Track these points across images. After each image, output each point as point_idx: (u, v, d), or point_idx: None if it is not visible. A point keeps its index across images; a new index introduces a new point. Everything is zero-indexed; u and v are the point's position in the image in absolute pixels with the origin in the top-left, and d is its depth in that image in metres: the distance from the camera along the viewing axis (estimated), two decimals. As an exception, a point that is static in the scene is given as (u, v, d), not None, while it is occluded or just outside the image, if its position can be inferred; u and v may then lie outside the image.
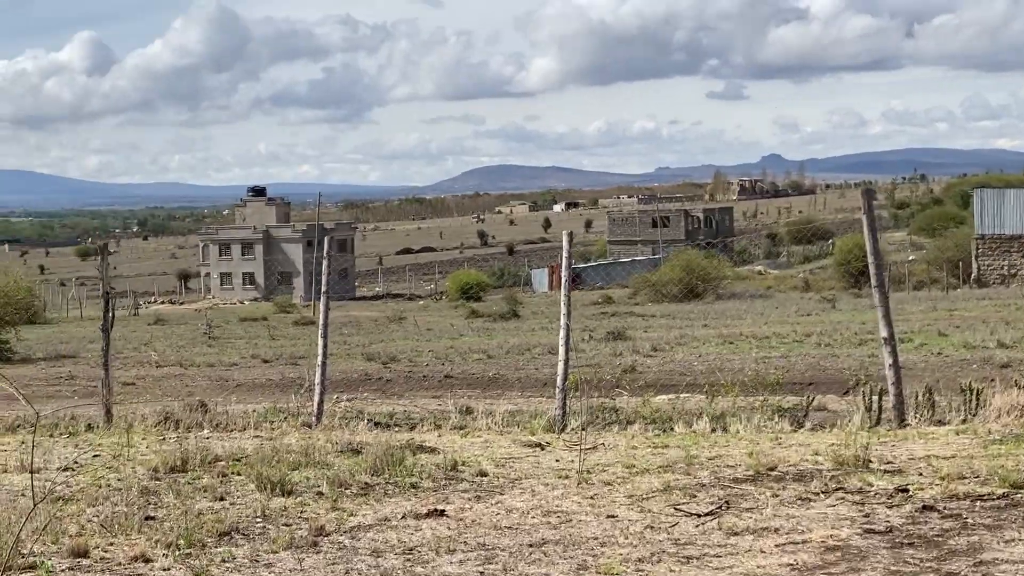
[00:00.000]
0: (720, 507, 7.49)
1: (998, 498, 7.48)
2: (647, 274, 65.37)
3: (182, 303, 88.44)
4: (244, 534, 7.10)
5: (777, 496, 7.78)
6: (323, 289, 13.51)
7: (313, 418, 12.60)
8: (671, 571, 6.16)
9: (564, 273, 12.19)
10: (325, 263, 13.49)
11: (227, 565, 6.45)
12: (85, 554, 6.58)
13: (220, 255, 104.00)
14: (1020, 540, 6.51)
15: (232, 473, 8.97)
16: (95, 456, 10.18)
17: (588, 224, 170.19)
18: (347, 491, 8.26)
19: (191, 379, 23.67)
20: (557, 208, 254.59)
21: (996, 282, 58.09)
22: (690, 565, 6.26)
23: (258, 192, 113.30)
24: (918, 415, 10.85)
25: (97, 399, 13.83)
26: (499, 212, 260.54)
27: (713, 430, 10.92)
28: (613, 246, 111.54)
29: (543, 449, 10.07)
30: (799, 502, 7.61)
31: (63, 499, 8.00)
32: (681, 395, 15.23)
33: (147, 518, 7.43)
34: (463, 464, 9.17)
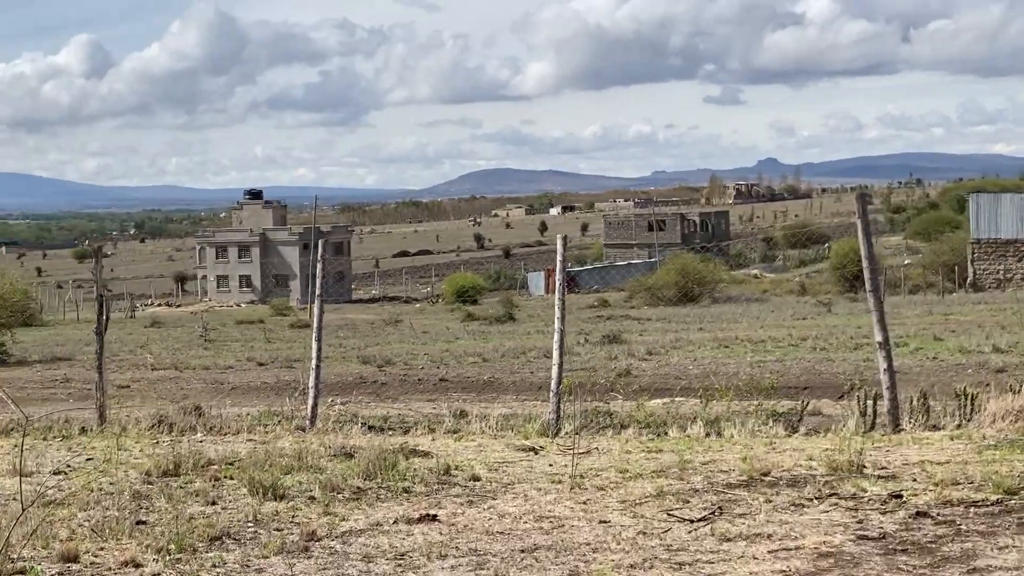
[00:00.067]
0: (713, 513, 7.47)
1: (992, 504, 7.47)
2: (643, 278, 65.41)
3: (179, 305, 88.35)
4: (235, 539, 7.07)
5: (770, 502, 7.76)
6: (317, 292, 13.49)
7: (307, 421, 12.57)
8: (663, 577, 6.14)
9: (558, 277, 12.18)
10: (319, 266, 13.47)
11: (217, 570, 6.42)
12: (75, 559, 6.55)
13: (217, 258, 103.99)
14: (1014, 547, 6.49)
15: (225, 477, 8.94)
16: (88, 460, 10.15)
17: (584, 227, 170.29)
18: (339, 496, 8.23)
19: (186, 382, 23.63)
20: (553, 211, 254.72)
21: (992, 286, 58.14)
22: (682, 571, 6.24)
23: (255, 195, 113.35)
24: (913, 420, 10.83)
25: (92, 402, 13.80)
26: (496, 215, 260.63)
27: (707, 434, 10.90)
28: (609, 249, 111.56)
29: (537, 453, 10.05)
30: (792, 508, 7.59)
31: (55, 503, 7.97)
32: (676, 399, 15.20)
33: (138, 522, 7.41)
34: (456, 468, 9.15)
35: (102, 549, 6.78)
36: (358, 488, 8.46)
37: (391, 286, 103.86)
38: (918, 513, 7.31)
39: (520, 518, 7.50)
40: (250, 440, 11.33)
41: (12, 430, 12.82)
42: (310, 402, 12.81)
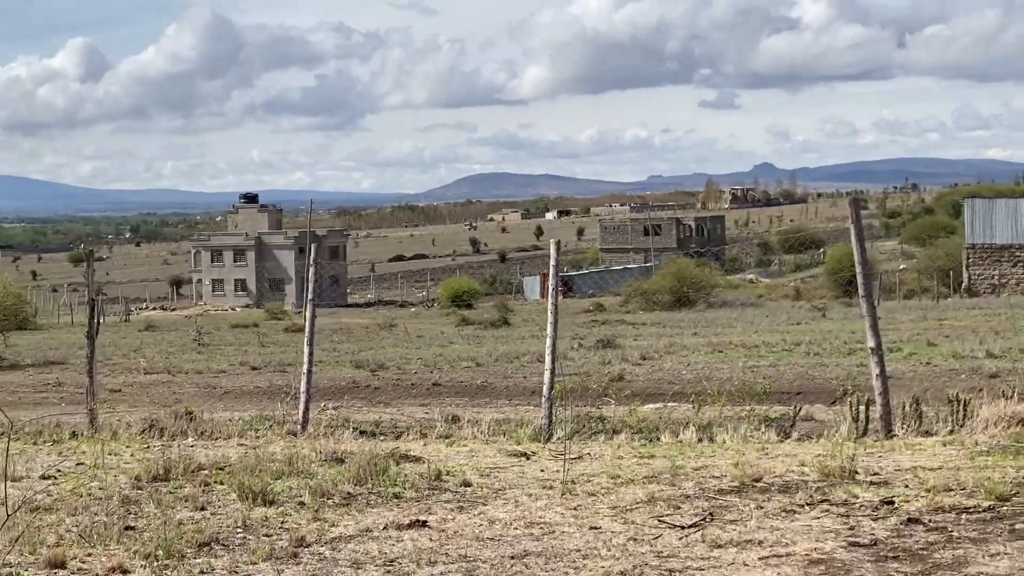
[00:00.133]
0: (704, 519, 7.44)
1: (984, 511, 7.44)
2: (639, 282, 65.40)
3: (174, 309, 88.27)
4: (224, 545, 7.03)
5: (762, 508, 7.74)
6: (309, 296, 13.46)
7: (298, 426, 12.53)
8: (653, 584, 6.11)
9: (551, 282, 12.16)
10: (311, 270, 13.44)
11: (205, 576, 6.39)
12: (62, 565, 6.51)
13: (212, 261, 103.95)
14: (1005, 554, 6.46)
15: (215, 482, 8.91)
16: (78, 464, 10.11)
17: (580, 232, 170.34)
18: (329, 501, 8.20)
19: (179, 386, 23.59)
20: (549, 216, 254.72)
21: (987, 292, 58.17)
22: (672, 578, 6.21)
23: (250, 199, 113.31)
24: (905, 426, 10.81)
25: (84, 406, 13.75)
26: (491, 220, 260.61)
27: (699, 440, 10.87)
28: (605, 254, 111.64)
29: (528, 459, 10.01)
30: (784, 514, 7.56)
31: (43, 508, 7.94)
32: (668, 404, 15.18)
33: (127, 528, 7.37)
34: (447, 474, 9.11)
35: (89, 555, 6.74)
36: (348, 493, 8.43)
37: (386, 290, 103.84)
38: (910, 519, 7.29)
39: (510, 524, 7.47)
40: (241, 445, 11.29)
41: (2, 434, 12.77)
42: (302, 407, 12.78)
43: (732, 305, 55.99)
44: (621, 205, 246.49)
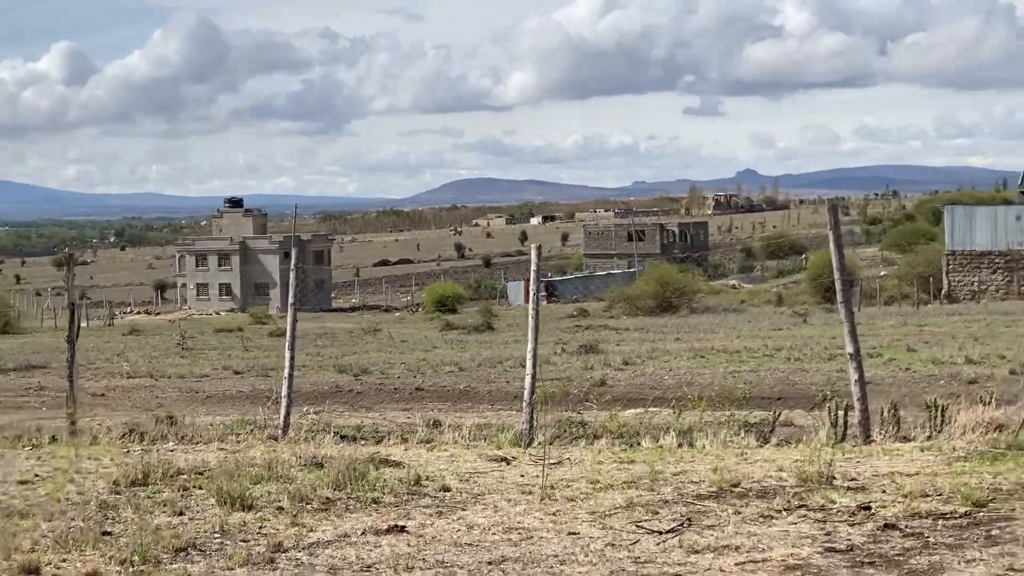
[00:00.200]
0: (682, 524, 7.46)
1: (960, 516, 7.47)
2: (622, 288, 65.47)
3: (158, 313, 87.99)
4: (201, 550, 7.01)
5: (739, 513, 7.75)
6: (291, 301, 13.44)
7: (279, 431, 12.51)
8: (629, 589, 6.12)
9: (532, 287, 12.16)
10: (293, 275, 13.43)
11: (181, 582, 6.37)
12: (36, 571, 6.47)
13: (197, 266, 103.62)
14: (981, 560, 6.49)
15: (194, 487, 8.88)
16: (56, 469, 10.06)
17: (565, 237, 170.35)
18: (308, 506, 8.18)
19: (161, 390, 23.54)
20: (534, 221, 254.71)
21: (966, 298, 58.40)
22: (649, 583, 6.22)
23: (235, 203, 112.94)
24: (883, 431, 10.84)
25: (64, 410, 13.70)
26: (476, 225, 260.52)
27: (680, 445, 10.88)
28: (589, 259, 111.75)
29: (509, 464, 10.01)
30: (761, 519, 7.58)
31: (19, 513, 7.90)
32: (650, 409, 15.21)
33: (103, 533, 7.33)
34: (427, 479, 9.11)
35: (64, 560, 6.72)
36: (327, 498, 8.41)
37: (371, 295, 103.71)
38: (886, 525, 7.31)
39: (489, 529, 7.47)
40: (221, 449, 11.26)
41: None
42: (283, 411, 12.76)
43: (715, 311, 56.10)
44: (605, 211, 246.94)
